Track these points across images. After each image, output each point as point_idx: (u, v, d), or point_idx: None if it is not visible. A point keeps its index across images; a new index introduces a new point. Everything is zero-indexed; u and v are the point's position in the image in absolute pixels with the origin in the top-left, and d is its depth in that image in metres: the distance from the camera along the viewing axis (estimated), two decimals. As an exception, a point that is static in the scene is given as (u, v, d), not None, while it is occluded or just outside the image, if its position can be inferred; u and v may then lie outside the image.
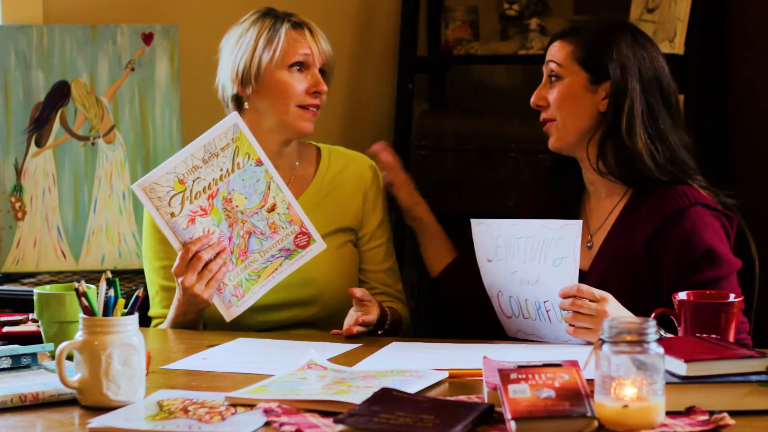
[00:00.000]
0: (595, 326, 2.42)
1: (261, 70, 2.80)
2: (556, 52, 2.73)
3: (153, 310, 2.88)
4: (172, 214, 2.59)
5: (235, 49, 2.83)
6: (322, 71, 2.84)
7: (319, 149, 2.97)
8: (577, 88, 2.71)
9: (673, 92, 2.73)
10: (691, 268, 2.59)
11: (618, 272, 2.64)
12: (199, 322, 2.73)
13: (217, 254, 2.61)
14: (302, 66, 2.81)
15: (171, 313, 2.73)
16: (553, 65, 2.73)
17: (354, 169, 2.94)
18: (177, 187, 2.58)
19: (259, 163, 2.65)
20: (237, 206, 2.64)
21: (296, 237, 2.69)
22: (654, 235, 2.62)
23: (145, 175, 2.59)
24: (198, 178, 2.60)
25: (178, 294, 2.67)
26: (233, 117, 2.63)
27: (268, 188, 2.66)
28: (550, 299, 2.56)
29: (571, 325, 2.46)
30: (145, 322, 2.31)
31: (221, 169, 2.62)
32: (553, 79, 2.73)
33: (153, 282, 2.87)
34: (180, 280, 2.62)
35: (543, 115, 2.75)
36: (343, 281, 2.84)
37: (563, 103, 2.71)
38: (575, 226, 2.54)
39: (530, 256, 2.59)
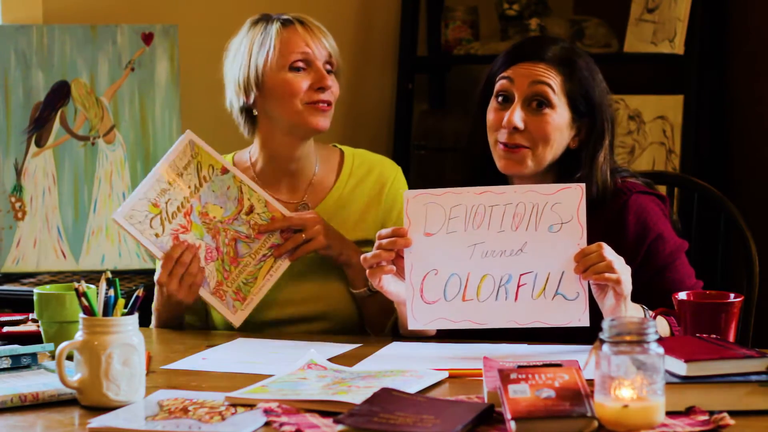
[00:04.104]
0: (619, 276, 2.32)
1: (260, 74, 2.72)
2: (552, 77, 2.53)
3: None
4: (156, 235, 2.65)
5: (234, 62, 2.77)
6: (329, 67, 2.75)
7: (342, 154, 2.87)
8: (564, 123, 2.55)
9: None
10: (647, 256, 2.53)
11: None
12: (183, 320, 2.76)
13: (193, 257, 2.64)
14: (303, 63, 2.73)
15: (155, 315, 2.75)
16: (548, 89, 2.52)
17: (376, 176, 2.83)
18: (152, 210, 2.65)
19: (224, 171, 2.70)
20: (215, 218, 2.69)
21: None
22: (607, 235, 2.46)
23: (119, 207, 2.66)
24: (169, 199, 2.66)
25: (159, 300, 2.70)
26: (188, 134, 2.70)
27: (241, 192, 2.70)
28: (535, 270, 2.37)
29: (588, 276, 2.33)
30: (145, 322, 2.31)
31: (189, 187, 2.68)
32: (538, 105, 2.52)
33: None
34: (164, 288, 2.65)
35: (517, 140, 2.52)
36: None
37: (550, 136, 2.53)
38: (577, 190, 2.34)
39: (510, 224, 2.37)
